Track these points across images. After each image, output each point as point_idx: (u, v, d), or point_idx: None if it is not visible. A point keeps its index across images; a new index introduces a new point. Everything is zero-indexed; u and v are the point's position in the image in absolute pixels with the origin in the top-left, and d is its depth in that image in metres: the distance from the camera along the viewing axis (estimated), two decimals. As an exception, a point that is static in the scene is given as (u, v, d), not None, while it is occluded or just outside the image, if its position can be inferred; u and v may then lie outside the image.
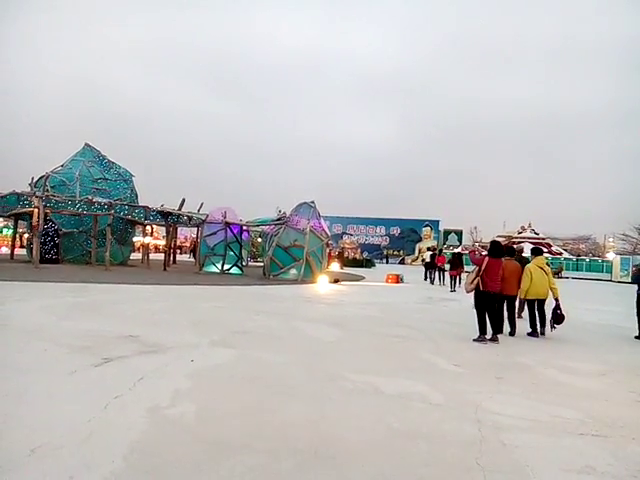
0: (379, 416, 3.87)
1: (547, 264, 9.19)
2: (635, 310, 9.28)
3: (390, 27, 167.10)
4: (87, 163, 24.11)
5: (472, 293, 8.08)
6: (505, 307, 8.75)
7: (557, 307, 8.49)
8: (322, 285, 18.34)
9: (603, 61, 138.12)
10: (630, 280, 10.60)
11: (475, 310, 8.04)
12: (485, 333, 7.79)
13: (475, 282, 7.87)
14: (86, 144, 25.12)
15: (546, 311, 8.82)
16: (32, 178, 22.65)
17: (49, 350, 5.51)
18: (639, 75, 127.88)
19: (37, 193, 19.70)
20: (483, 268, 7.83)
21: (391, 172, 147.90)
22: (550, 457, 3.23)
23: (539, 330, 8.65)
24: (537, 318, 8.73)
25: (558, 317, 8.46)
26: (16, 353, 5.37)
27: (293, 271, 19.94)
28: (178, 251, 37.99)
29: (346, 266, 36.85)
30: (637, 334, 9.07)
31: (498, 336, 7.82)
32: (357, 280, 23.14)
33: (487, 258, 7.95)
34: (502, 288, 8.18)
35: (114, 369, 4.87)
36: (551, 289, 8.68)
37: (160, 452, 3.00)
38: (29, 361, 5.03)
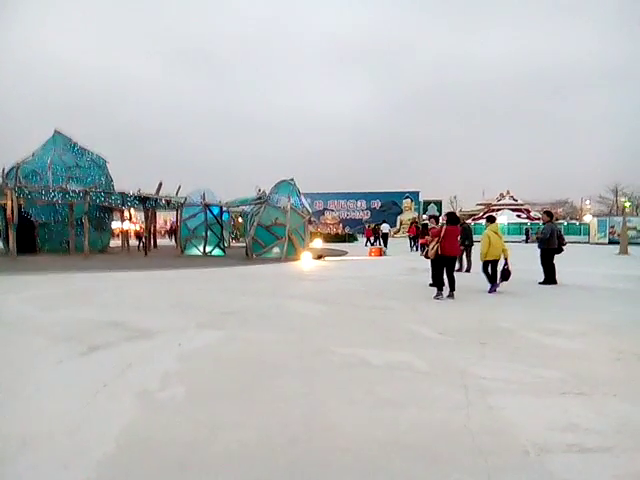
0: (368, 387, 3.94)
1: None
2: (540, 262, 11.47)
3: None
4: (58, 151, 23.48)
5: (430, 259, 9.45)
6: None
7: (505, 264, 9.87)
8: (306, 262, 18.38)
9: (585, 19, 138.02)
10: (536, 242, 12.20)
11: (431, 271, 9.52)
12: (441, 290, 8.96)
13: (435, 248, 9.06)
14: (56, 131, 24.39)
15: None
16: (2, 170, 22.05)
17: (34, 341, 5.45)
18: (620, 36, 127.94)
19: (9, 184, 19.21)
20: (442, 236, 8.98)
21: (367, 142, 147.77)
22: (535, 417, 3.32)
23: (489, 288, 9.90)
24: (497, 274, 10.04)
25: (506, 273, 9.87)
26: (0, 346, 5.30)
27: (276, 250, 19.91)
28: (166, 234, 36.45)
29: (330, 242, 36.91)
30: (541, 280, 11.23)
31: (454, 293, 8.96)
32: (340, 255, 23.22)
33: (445, 227, 9.11)
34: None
35: (101, 357, 4.84)
36: (503, 251, 9.98)
37: (153, 435, 3.02)
38: (15, 353, 4.97)
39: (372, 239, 34.80)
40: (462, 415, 3.33)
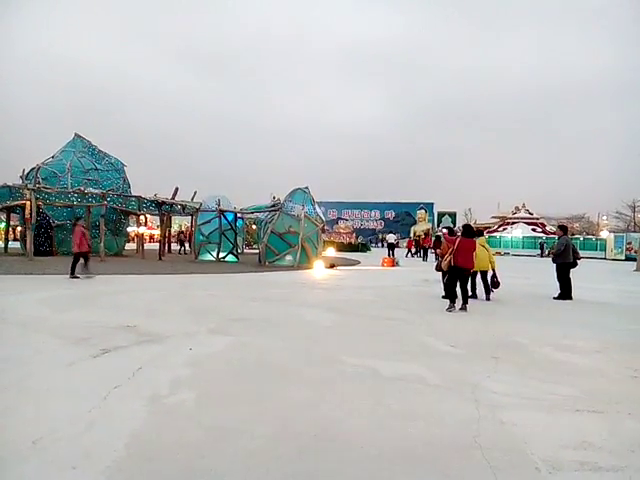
0: (378, 398, 3.90)
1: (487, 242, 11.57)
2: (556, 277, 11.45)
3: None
4: (78, 154, 23.91)
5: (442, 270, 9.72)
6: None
7: (494, 275, 10.52)
8: (318, 270, 18.37)
9: (602, 35, 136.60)
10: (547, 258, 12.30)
11: (444, 283, 9.79)
12: (454, 302, 8.84)
13: (448, 260, 9.06)
14: (76, 134, 24.86)
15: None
16: (23, 170, 22.43)
17: (47, 342, 5.51)
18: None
19: (28, 185, 19.53)
20: (455, 247, 8.96)
21: (382, 151, 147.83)
22: (547, 434, 3.27)
23: (484, 296, 10.57)
24: (476, 286, 10.79)
25: (494, 283, 10.53)
26: (14, 346, 5.36)
27: (289, 257, 19.94)
28: (184, 237, 35.04)
29: (343, 251, 36.90)
30: (555, 295, 11.18)
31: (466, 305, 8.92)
32: (353, 265, 23.18)
33: (459, 239, 9.15)
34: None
35: (112, 359, 4.87)
36: (490, 262, 10.58)
37: (161, 440, 3.02)
38: (27, 354, 5.02)
39: (413, 250, 34.80)
40: (472, 429, 3.28)
